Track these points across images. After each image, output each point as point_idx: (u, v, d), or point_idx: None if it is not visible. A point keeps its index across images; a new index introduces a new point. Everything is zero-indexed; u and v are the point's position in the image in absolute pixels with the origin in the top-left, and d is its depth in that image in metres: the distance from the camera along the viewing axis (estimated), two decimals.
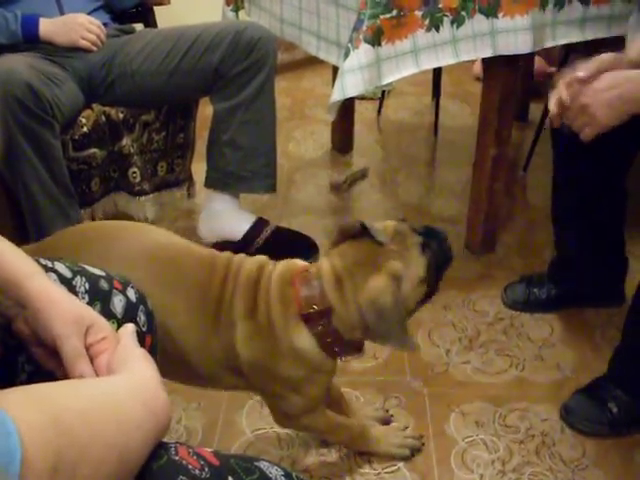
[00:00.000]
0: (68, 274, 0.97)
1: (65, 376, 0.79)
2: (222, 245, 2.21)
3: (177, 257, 1.37)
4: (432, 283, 1.35)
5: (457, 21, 1.89)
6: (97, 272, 1.03)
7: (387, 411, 1.74)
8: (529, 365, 1.91)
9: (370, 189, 2.86)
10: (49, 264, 0.96)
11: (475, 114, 2.30)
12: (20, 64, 1.92)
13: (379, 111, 3.52)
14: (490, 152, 2.16)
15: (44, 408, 0.57)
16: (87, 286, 0.98)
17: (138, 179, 2.35)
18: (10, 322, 0.84)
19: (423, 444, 1.66)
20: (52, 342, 0.81)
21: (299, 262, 1.40)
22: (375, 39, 1.79)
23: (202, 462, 0.73)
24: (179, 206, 2.62)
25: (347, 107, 2.95)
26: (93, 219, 2.36)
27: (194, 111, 2.52)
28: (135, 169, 2.34)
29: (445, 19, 1.87)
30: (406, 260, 1.29)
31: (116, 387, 0.69)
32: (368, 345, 1.40)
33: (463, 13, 1.89)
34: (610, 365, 1.74)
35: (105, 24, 2.26)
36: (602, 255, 2.00)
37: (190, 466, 0.71)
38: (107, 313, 0.97)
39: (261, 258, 1.40)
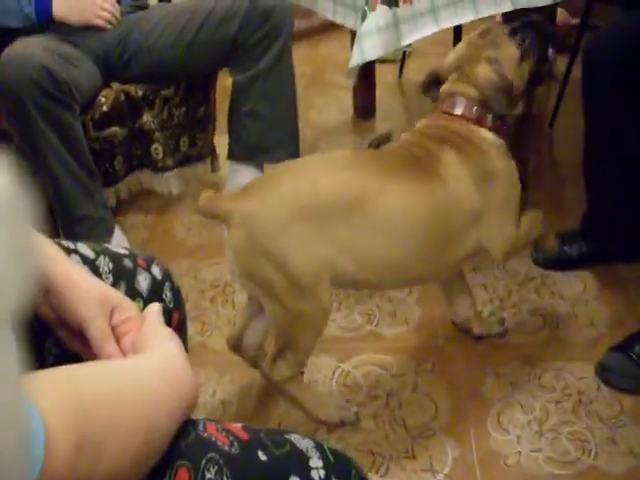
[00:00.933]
0: (91, 255, 0.97)
1: (92, 358, 0.79)
2: None
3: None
4: (537, 58, 1.61)
5: None
6: (120, 251, 1.03)
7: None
8: (562, 323, 1.89)
9: None
10: (71, 246, 0.96)
11: None
12: (36, 47, 1.91)
13: (400, 73, 3.47)
14: None
15: (66, 388, 0.57)
16: (110, 266, 0.97)
17: (161, 155, 2.36)
18: (36, 307, 0.84)
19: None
20: (78, 325, 0.80)
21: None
22: (392, 0, 1.76)
23: (231, 437, 0.72)
24: (204, 180, 2.61)
25: (367, 71, 2.91)
26: (118, 198, 2.37)
27: (213, 84, 2.51)
28: (157, 145, 2.35)
29: None
30: (497, 46, 1.57)
31: (140, 366, 0.69)
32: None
33: None
34: None
35: (118, 1, 2.24)
36: (634, 207, 1.96)
37: (219, 442, 0.70)
38: (132, 292, 0.97)
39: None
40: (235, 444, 0.71)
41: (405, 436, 1.59)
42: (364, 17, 1.76)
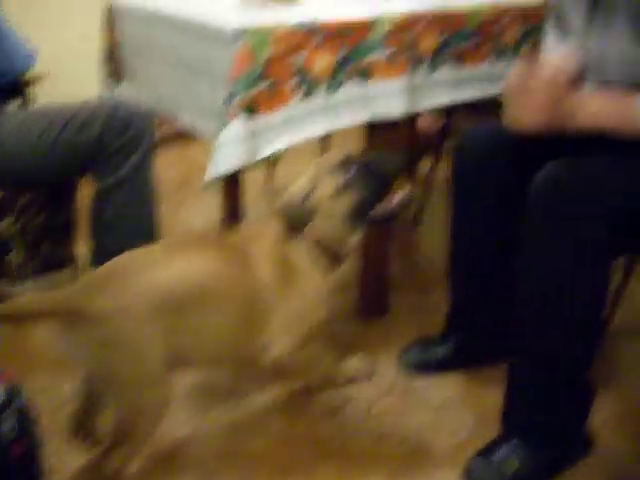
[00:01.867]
0: None
1: None
2: None
3: None
4: (363, 198, 1.68)
5: (331, 88, 1.89)
6: None
7: None
8: (429, 430, 1.88)
9: None
10: None
11: None
12: None
13: (268, 179, 3.50)
14: None
15: None
16: None
17: (19, 263, 2.27)
18: None
19: None
20: None
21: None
22: (248, 112, 1.77)
23: None
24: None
25: (235, 176, 2.92)
26: None
27: (75, 189, 2.45)
28: (15, 253, 2.26)
29: (319, 87, 1.87)
30: (316, 178, 1.68)
31: None
32: None
33: (336, 80, 1.89)
34: (503, 417, 1.75)
35: None
36: (494, 307, 2.00)
37: None
38: None
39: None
40: None
41: None
42: (220, 129, 1.76)
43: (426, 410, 1.95)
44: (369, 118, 1.97)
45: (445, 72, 2.08)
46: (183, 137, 3.83)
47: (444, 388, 2.03)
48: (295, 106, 1.84)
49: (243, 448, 1.83)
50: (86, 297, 1.44)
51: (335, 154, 1.73)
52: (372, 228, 2.14)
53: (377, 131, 2.07)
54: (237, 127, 1.75)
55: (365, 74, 1.92)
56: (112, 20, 2.48)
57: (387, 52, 1.92)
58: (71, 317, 1.42)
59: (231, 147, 1.76)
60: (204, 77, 1.98)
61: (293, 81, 1.82)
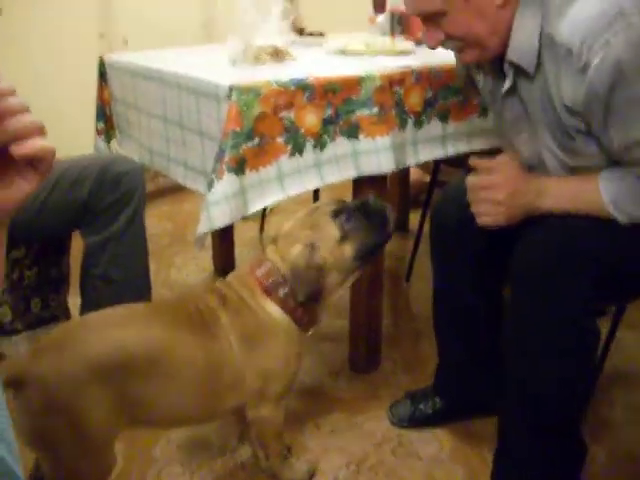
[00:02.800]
0: None
1: None
2: None
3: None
4: (363, 238, 1.62)
5: (320, 145, 1.92)
6: None
7: None
8: None
9: None
10: None
11: None
12: None
13: (261, 230, 3.52)
14: (365, 271, 2.16)
15: None
16: None
17: (9, 317, 2.27)
18: None
19: None
20: None
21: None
22: (238, 168, 1.79)
23: None
24: None
25: (227, 229, 2.94)
26: None
27: (67, 244, 2.45)
28: (6, 307, 2.26)
29: (308, 144, 1.90)
30: (316, 228, 1.60)
31: None
32: None
33: (325, 137, 1.92)
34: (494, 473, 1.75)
35: None
36: (482, 363, 2.01)
37: None
38: None
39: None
40: None
41: None
42: (211, 185, 1.78)
43: (416, 465, 1.94)
44: (358, 174, 1.99)
45: (432, 128, 2.11)
46: (177, 189, 3.86)
47: (434, 443, 2.02)
48: (284, 162, 1.87)
49: None
50: (30, 362, 1.43)
51: (326, 202, 1.70)
52: (362, 282, 2.16)
53: (363, 186, 2.09)
54: (227, 184, 1.77)
55: (354, 131, 1.95)
56: (105, 74, 2.52)
57: (376, 109, 1.95)
58: (15, 382, 1.40)
59: (221, 203, 1.78)
60: (195, 133, 2.00)
61: (282, 138, 1.85)
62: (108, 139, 2.62)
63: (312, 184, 1.94)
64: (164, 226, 3.57)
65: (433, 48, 1.67)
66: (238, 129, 1.78)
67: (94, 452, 1.47)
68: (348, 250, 1.61)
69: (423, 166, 3.60)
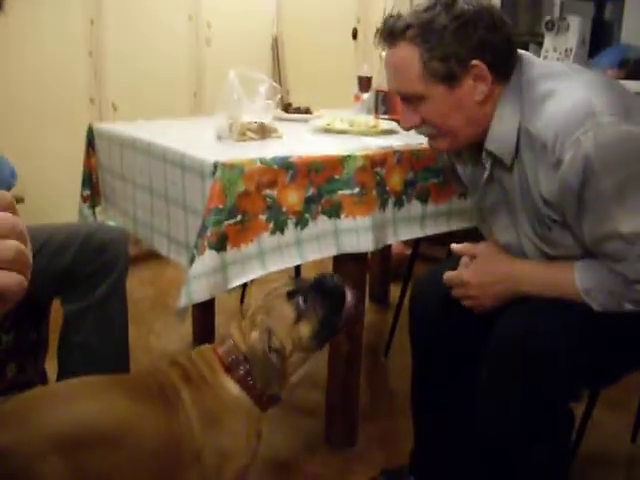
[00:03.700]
0: None
1: None
2: None
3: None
4: (321, 318, 1.59)
5: (301, 223, 1.95)
6: None
7: None
8: None
9: None
10: None
11: None
12: None
13: (242, 300, 3.52)
14: (343, 348, 2.18)
15: None
16: None
17: None
18: None
19: None
20: None
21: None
22: (220, 245, 1.82)
23: None
24: None
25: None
26: None
27: (47, 309, 2.45)
28: None
29: (289, 221, 1.93)
30: (272, 311, 1.59)
31: None
32: None
33: (307, 215, 1.96)
34: None
35: None
36: (458, 445, 2.01)
37: None
38: None
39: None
40: None
41: None
42: (192, 260, 1.80)
43: None
44: (338, 252, 2.03)
45: (412, 208, 2.16)
46: (160, 255, 3.85)
47: None
48: (265, 240, 1.90)
49: None
50: None
51: (283, 282, 1.67)
52: (339, 359, 2.17)
53: (344, 263, 2.12)
54: (208, 260, 1.80)
55: (336, 210, 1.99)
56: (93, 141, 2.56)
57: (357, 189, 1.99)
58: None
59: (202, 279, 1.80)
60: (179, 207, 2.04)
61: (264, 216, 1.89)
62: (93, 206, 2.64)
63: (292, 261, 1.97)
64: (146, 291, 3.58)
65: (406, 129, 1.71)
66: (221, 206, 1.81)
67: None
68: (305, 330, 1.59)
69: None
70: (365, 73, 3.05)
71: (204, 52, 4.33)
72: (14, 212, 0.69)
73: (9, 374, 2.35)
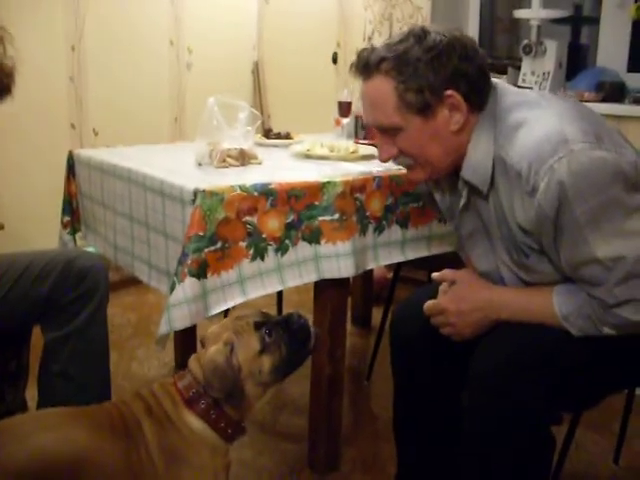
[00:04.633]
0: None
1: None
2: None
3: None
4: (284, 353, 1.59)
5: (281, 249, 1.96)
6: None
7: None
8: None
9: None
10: None
11: None
12: None
13: None
14: (325, 372, 2.18)
15: None
16: None
17: None
18: None
19: None
20: None
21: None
22: (200, 272, 1.82)
23: None
24: None
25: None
26: None
27: (28, 336, 2.44)
28: None
29: (269, 248, 1.94)
30: (238, 334, 1.57)
31: None
32: None
33: (287, 242, 1.96)
34: None
35: None
36: (441, 469, 2.01)
37: None
38: None
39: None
40: None
41: None
42: (173, 287, 1.80)
43: None
44: (318, 278, 2.03)
45: (392, 233, 2.17)
46: (141, 281, 3.86)
47: None
48: (246, 267, 1.91)
49: None
50: None
51: (251, 312, 1.66)
52: (322, 382, 2.17)
53: (324, 289, 2.14)
54: (188, 287, 1.80)
55: (316, 236, 2.00)
56: (74, 167, 2.56)
57: (337, 215, 2.00)
58: None
59: (182, 306, 1.81)
60: (159, 234, 2.04)
61: (244, 243, 1.89)
62: (73, 232, 2.63)
63: (273, 287, 1.97)
64: (127, 317, 3.57)
65: (384, 161, 1.73)
66: (201, 233, 1.81)
67: None
68: (265, 363, 1.58)
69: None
70: (345, 98, 3.06)
71: (185, 77, 4.35)
72: None
73: None
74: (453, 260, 1.89)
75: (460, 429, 1.82)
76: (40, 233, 2.89)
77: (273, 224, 1.94)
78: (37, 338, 2.27)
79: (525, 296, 1.64)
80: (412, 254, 2.24)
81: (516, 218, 1.55)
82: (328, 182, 2.02)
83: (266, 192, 1.93)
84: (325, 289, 2.12)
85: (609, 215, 1.46)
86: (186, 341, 3.01)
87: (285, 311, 1.72)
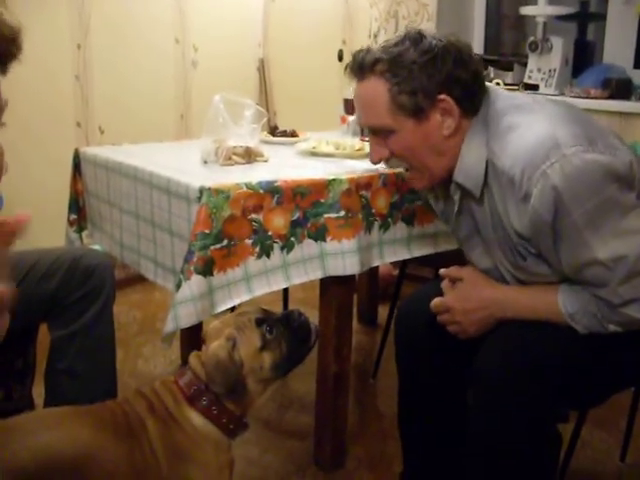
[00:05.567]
0: None
1: None
2: None
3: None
4: (285, 350, 1.60)
5: (287, 247, 1.96)
6: None
7: None
8: None
9: None
10: None
11: None
12: None
13: None
14: (331, 369, 2.18)
15: None
16: None
17: None
18: None
19: None
20: None
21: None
22: (206, 269, 1.82)
23: None
24: None
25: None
26: None
27: (34, 335, 2.44)
28: None
29: (275, 245, 1.94)
30: (240, 330, 1.58)
31: None
32: None
33: (292, 239, 1.96)
34: None
35: None
36: (446, 468, 2.00)
37: None
38: None
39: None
40: None
41: None
42: (179, 285, 1.81)
43: None
44: (324, 275, 2.03)
45: (398, 230, 2.17)
46: (147, 279, 3.86)
47: None
48: (251, 264, 1.91)
49: None
50: None
51: (253, 310, 1.66)
52: (328, 380, 2.17)
53: (330, 287, 2.14)
54: (194, 285, 1.80)
55: (321, 233, 1.99)
56: (80, 166, 2.56)
57: (343, 212, 2.00)
58: None
59: (188, 304, 1.81)
60: (165, 232, 2.04)
61: (250, 240, 1.89)
62: (80, 230, 2.64)
63: (279, 285, 1.97)
64: (134, 315, 3.57)
65: (375, 163, 1.73)
66: (207, 231, 1.81)
67: None
68: (266, 360, 1.59)
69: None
70: (350, 96, 3.05)
71: (191, 75, 4.35)
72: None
73: None
74: (459, 257, 1.88)
75: (466, 428, 1.82)
76: (46, 231, 2.89)
77: (279, 221, 1.94)
78: (44, 336, 2.28)
79: (530, 294, 1.64)
80: (418, 251, 2.24)
81: (511, 223, 1.55)
82: (334, 179, 2.02)
83: (272, 190, 1.93)
84: (331, 286, 2.12)
85: (606, 216, 1.46)
86: (192, 338, 3.01)
87: (290, 308, 1.71)
